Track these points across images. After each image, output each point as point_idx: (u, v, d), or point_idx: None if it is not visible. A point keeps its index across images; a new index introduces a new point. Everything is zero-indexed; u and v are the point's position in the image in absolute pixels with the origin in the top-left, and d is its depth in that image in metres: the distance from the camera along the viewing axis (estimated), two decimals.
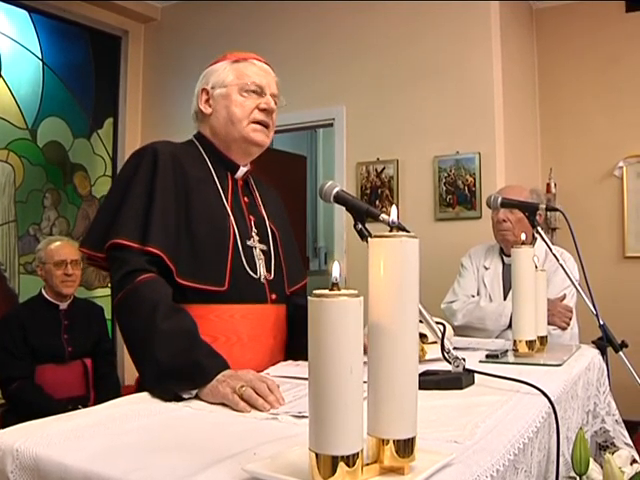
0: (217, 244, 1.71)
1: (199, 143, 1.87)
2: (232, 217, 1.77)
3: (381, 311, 0.90)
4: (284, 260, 1.91)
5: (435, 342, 1.65)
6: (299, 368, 1.68)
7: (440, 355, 1.54)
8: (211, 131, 1.86)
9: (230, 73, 1.83)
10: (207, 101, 1.85)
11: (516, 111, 4.58)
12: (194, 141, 1.89)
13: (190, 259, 1.65)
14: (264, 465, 0.88)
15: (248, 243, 1.79)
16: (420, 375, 1.40)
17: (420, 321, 1.46)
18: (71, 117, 5.18)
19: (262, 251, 1.83)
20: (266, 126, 1.84)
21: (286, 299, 1.89)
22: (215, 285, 1.67)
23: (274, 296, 1.81)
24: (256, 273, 1.77)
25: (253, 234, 1.82)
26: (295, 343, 1.85)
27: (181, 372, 1.39)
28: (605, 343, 2.09)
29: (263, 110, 1.82)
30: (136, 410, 1.28)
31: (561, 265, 2.19)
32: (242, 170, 1.89)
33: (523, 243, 1.95)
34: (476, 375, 1.52)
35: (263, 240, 1.85)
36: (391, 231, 0.92)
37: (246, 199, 1.89)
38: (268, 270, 1.83)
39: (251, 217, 1.86)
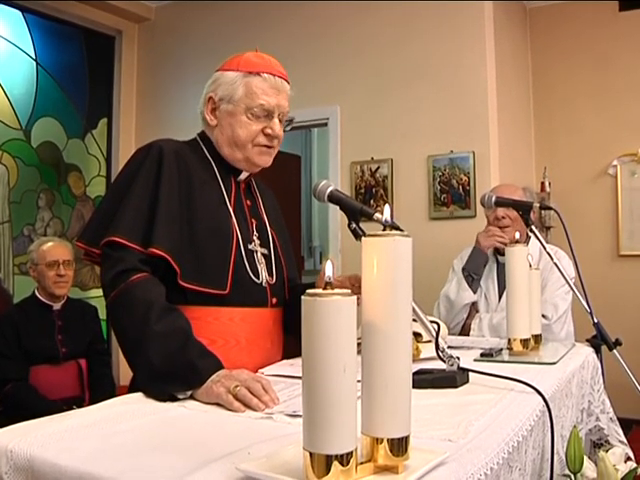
0: (219, 247, 1.69)
1: (203, 144, 1.84)
2: (234, 220, 1.76)
3: (374, 310, 0.90)
4: (284, 263, 1.90)
5: (430, 341, 1.65)
6: (293, 368, 1.68)
7: (434, 354, 1.55)
8: (215, 141, 1.82)
9: (240, 88, 1.74)
10: (213, 111, 1.80)
11: (510, 110, 4.59)
12: (198, 141, 1.85)
13: (192, 261, 1.64)
14: (258, 464, 0.88)
15: (249, 247, 1.78)
16: (414, 374, 1.41)
17: (414, 320, 1.46)
18: (65, 117, 5.17)
19: (263, 255, 1.82)
20: (270, 147, 1.81)
21: (284, 303, 1.89)
22: (216, 288, 1.66)
23: (275, 300, 1.81)
24: (258, 277, 1.77)
25: (254, 238, 1.81)
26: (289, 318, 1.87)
27: (175, 374, 1.39)
28: (599, 341, 2.09)
29: (267, 135, 1.77)
30: (130, 410, 1.27)
31: (555, 264, 2.19)
32: (245, 173, 1.87)
33: (517, 242, 1.95)
34: (470, 374, 1.52)
35: (264, 244, 1.84)
36: (384, 230, 0.92)
37: (248, 202, 1.88)
38: (270, 274, 1.82)
39: (253, 220, 1.85)
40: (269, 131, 1.77)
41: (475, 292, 3.07)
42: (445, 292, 3.14)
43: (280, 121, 1.79)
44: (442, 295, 3.17)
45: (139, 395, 1.41)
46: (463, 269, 3.11)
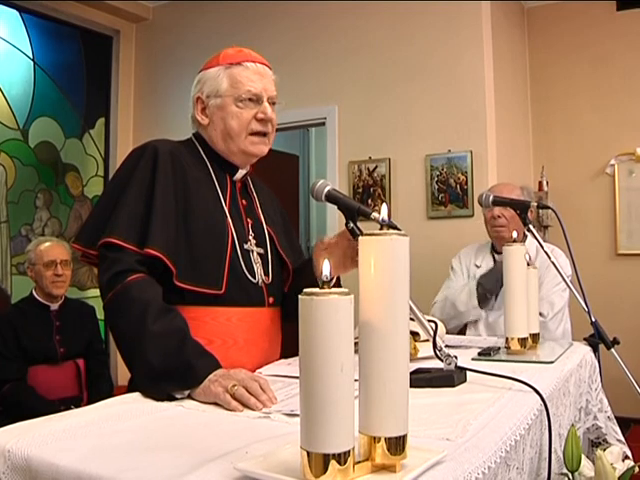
0: (215, 247, 1.69)
1: (198, 144, 1.84)
2: (230, 220, 1.76)
3: (372, 309, 0.90)
4: (286, 257, 1.90)
5: (427, 340, 1.65)
6: (291, 367, 1.68)
7: (432, 353, 1.55)
8: (209, 140, 1.82)
9: (224, 81, 1.76)
10: (203, 110, 1.80)
11: (508, 109, 4.59)
12: (193, 141, 1.85)
13: (188, 261, 1.64)
14: (256, 464, 0.88)
15: (245, 247, 1.77)
16: (412, 373, 1.41)
17: (412, 319, 1.47)
18: (63, 117, 5.17)
19: (259, 254, 1.82)
20: (265, 134, 1.80)
21: (282, 301, 1.88)
22: (212, 288, 1.66)
23: (272, 299, 1.81)
24: (254, 277, 1.76)
25: (250, 237, 1.81)
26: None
27: (173, 373, 1.39)
28: (597, 340, 2.10)
29: (261, 120, 1.77)
30: (128, 410, 1.27)
31: (552, 262, 2.19)
32: (241, 172, 1.86)
33: (514, 241, 1.95)
34: (468, 373, 1.52)
35: (260, 243, 1.84)
36: (381, 229, 0.92)
37: (244, 201, 1.87)
38: (266, 273, 1.82)
39: (249, 220, 1.84)
40: (261, 115, 1.77)
41: (484, 308, 3.06)
42: (452, 299, 3.10)
43: (271, 104, 1.79)
44: (447, 300, 3.13)
45: (137, 395, 1.41)
46: (479, 284, 3.09)
